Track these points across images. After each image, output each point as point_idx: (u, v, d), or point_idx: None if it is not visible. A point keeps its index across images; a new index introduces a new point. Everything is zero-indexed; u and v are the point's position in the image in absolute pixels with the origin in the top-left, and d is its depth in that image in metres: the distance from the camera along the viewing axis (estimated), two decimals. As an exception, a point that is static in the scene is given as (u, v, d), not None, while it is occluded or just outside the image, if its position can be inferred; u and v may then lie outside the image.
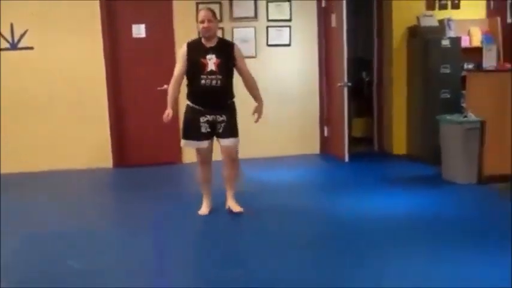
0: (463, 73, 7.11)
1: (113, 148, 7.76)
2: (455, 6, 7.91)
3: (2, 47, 7.36)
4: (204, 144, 5.17)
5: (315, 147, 8.22)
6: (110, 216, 5.76)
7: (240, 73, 5.24)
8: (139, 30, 7.72)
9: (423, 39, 7.44)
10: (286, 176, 6.94)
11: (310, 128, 8.19)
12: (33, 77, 7.50)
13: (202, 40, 5.12)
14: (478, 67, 6.48)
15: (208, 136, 5.16)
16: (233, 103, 5.25)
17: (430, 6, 7.84)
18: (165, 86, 7.60)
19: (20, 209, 5.79)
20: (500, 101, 6.06)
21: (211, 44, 5.08)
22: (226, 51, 5.13)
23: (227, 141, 5.19)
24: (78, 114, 7.61)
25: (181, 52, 5.19)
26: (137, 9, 7.68)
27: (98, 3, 7.50)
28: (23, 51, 7.40)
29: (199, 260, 4.36)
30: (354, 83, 8.36)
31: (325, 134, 8.18)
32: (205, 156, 5.26)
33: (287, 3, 7.87)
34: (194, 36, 7.29)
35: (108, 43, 7.61)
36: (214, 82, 5.01)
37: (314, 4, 7.98)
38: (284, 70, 8.00)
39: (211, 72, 4.99)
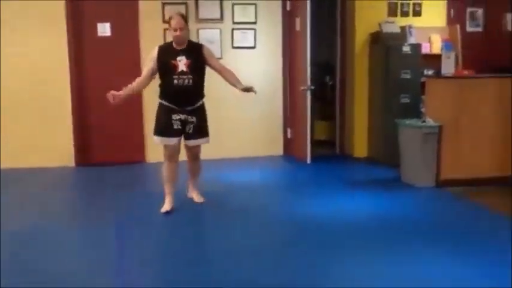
0: (423, 79, 7.29)
1: (75, 147, 7.72)
2: (417, 13, 8.11)
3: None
4: (175, 141, 5.36)
5: (278, 149, 8.33)
6: (70, 214, 5.73)
7: (215, 69, 5.47)
8: (104, 29, 7.70)
9: (384, 45, 7.61)
10: (249, 177, 7.02)
11: (274, 130, 8.29)
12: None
13: (173, 44, 5.31)
14: (438, 73, 6.66)
15: (178, 133, 5.35)
16: (203, 104, 5.46)
17: (392, 13, 8.02)
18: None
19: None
20: (457, 107, 6.25)
21: (182, 47, 5.29)
22: (195, 52, 5.34)
23: (194, 142, 5.45)
24: (41, 112, 7.57)
25: (151, 55, 5.37)
26: (103, 8, 7.65)
27: (63, 1, 7.46)
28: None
29: (162, 259, 4.38)
30: (317, 86, 8.51)
31: (289, 135, 8.29)
32: (173, 153, 5.41)
33: (252, 6, 7.96)
34: (159, 35, 7.41)
35: (73, 41, 7.58)
36: (186, 81, 5.22)
37: (279, 7, 8.08)
38: (249, 72, 7.98)
39: (183, 73, 5.21)
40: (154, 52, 5.33)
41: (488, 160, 6.38)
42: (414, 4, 8.09)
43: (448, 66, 6.32)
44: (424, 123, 6.34)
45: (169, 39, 5.57)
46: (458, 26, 7.98)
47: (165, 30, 7.50)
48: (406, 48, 7.49)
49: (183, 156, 5.60)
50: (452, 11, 8.15)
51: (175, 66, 5.21)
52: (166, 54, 5.27)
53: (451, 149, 6.27)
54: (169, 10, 7.51)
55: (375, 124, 7.90)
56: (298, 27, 7.78)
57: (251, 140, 8.16)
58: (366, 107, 8.10)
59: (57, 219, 5.38)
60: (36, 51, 7.49)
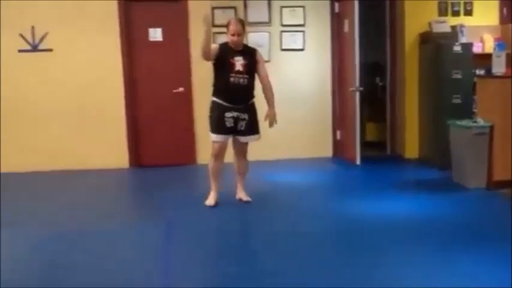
0: (475, 79, 7.17)
1: (129, 149, 7.94)
2: (468, 12, 7.98)
3: (24, 48, 7.60)
4: (225, 138, 5.59)
5: (327, 151, 8.33)
6: (123, 213, 5.88)
7: (260, 76, 5.66)
8: (155, 34, 7.89)
9: (435, 45, 7.52)
10: (297, 178, 7.06)
11: (323, 132, 8.30)
12: (51, 77, 7.73)
13: (230, 45, 5.52)
14: (488, 73, 6.54)
15: (230, 131, 5.56)
16: (254, 102, 5.66)
17: (443, 12, 7.92)
18: (181, 89, 7.87)
19: (35, 208, 5.98)
20: (509, 106, 6.11)
21: (238, 48, 5.53)
22: (250, 55, 5.58)
23: (246, 139, 5.67)
24: (96, 115, 7.82)
25: (213, 46, 5.54)
26: (154, 14, 7.86)
27: (116, 7, 7.69)
28: (43, 53, 7.63)
29: (210, 257, 4.45)
30: (367, 87, 8.47)
31: (338, 137, 8.29)
32: (221, 150, 5.63)
33: (301, 9, 8.00)
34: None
35: (126, 47, 7.80)
36: (241, 81, 5.47)
37: (327, 9, 8.10)
38: (297, 74, 8.13)
39: (239, 72, 5.46)
40: (216, 46, 5.55)
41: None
42: (465, 3, 7.97)
43: (498, 66, 6.20)
44: (474, 124, 6.24)
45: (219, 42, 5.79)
46: (511, 25, 7.80)
47: (214, 34, 7.64)
48: (457, 48, 7.36)
49: (230, 158, 5.74)
50: (505, 10, 7.98)
51: (233, 65, 5.45)
52: (226, 52, 5.48)
53: (503, 149, 6.14)
54: (219, 15, 7.67)
55: (426, 125, 7.80)
56: (346, 29, 7.79)
57: (300, 142, 8.20)
58: (417, 107, 8.02)
59: (112, 218, 5.56)
60: (91, 57, 7.75)
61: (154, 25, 7.86)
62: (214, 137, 5.59)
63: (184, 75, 7.85)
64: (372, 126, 9.33)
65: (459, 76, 7.34)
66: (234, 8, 7.85)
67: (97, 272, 4.06)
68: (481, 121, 6.24)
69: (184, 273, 4.06)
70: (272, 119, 5.66)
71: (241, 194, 5.83)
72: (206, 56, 5.43)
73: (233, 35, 5.46)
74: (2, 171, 7.47)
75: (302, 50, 8.10)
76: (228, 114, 5.49)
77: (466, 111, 7.13)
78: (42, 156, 7.72)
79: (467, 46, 7.43)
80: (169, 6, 7.86)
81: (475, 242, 4.49)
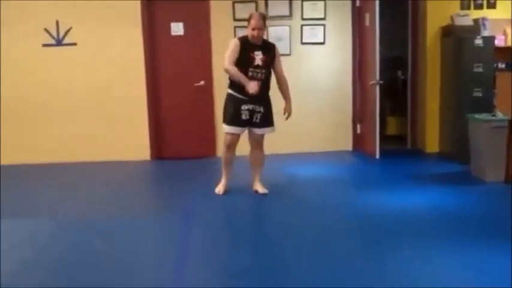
0: (496, 72, 7.12)
1: (150, 141, 8.07)
2: (491, 5, 7.91)
3: (48, 43, 7.78)
4: (240, 130, 5.71)
5: (347, 144, 8.34)
6: (143, 204, 6.00)
7: (276, 71, 5.75)
8: (178, 28, 7.99)
9: (457, 38, 7.47)
10: (316, 171, 7.09)
11: (344, 125, 8.32)
12: (75, 71, 7.89)
13: (250, 39, 5.59)
14: (510, 66, 6.49)
15: (245, 124, 5.67)
16: (269, 96, 5.75)
17: (465, 5, 7.86)
18: (202, 82, 7.96)
19: (60, 197, 6.17)
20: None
21: (258, 43, 5.61)
22: (269, 50, 5.67)
23: (261, 131, 5.77)
24: (119, 108, 7.96)
25: (234, 42, 5.64)
26: (176, 8, 7.95)
27: (139, 2, 7.81)
28: (67, 47, 7.79)
29: (225, 247, 4.50)
30: (389, 81, 8.45)
31: (358, 131, 8.29)
32: (234, 142, 5.76)
33: (322, 2, 8.01)
34: (230, 33, 7.61)
35: (148, 41, 7.91)
36: (259, 75, 5.57)
37: (348, 3, 8.10)
38: (318, 68, 8.15)
39: (258, 66, 5.56)
40: (237, 42, 5.61)
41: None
42: (489, -4, 7.91)
43: (519, 59, 6.15)
44: (493, 117, 6.20)
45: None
46: (535, 17, 7.72)
47: (235, 28, 7.72)
48: (478, 41, 7.30)
49: (245, 151, 5.84)
50: (529, 2, 7.88)
51: (253, 59, 5.54)
52: (246, 46, 5.57)
53: (522, 143, 6.11)
54: (240, 8, 7.74)
55: (447, 118, 7.76)
56: (367, 23, 7.78)
57: (320, 135, 8.23)
58: (438, 101, 7.98)
59: (132, 208, 5.69)
60: (114, 51, 7.89)
61: (176, 19, 7.96)
62: (227, 128, 5.70)
63: (205, 69, 7.93)
64: (393, 120, 9.31)
65: (480, 70, 7.29)
66: (255, 1, 7.89)
67: (115, 259, 4.18)
68: (500, 115, 6.20)
69: (199, 262, 4.15)
70: (290, 113, 5.78)
71: (258, 186, 5.90)
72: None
73: (254, 29, 5.53)
74: (31, 162, 7.70)
75: (323, 43, 8.11)
76: (244, 107, 5.59)
77: (486, 105, 7.08)
78: (66, 148, 7.91)
79: (489, 39, 7.36)
80: (191, 1, 7.94)
81: (492, 235, 4.47)
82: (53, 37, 7.75)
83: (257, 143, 5.83)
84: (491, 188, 6.00)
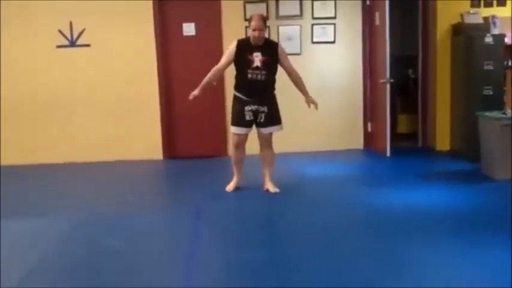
0: (506, 70, 7.13)
1: (163, 140, 8.17)
2: (501, 3, 7.91)
3: (62, 44, 7.90)
4: (245, 131, 5.80)
5: (359, 143, 8.39)
6: (154, 201, 6.09)
7: (286, 69, 5.80)
8: (189, 29, 8.08)
9: (467, 36, 7.48)
10: (327, 169, 7.14)
11: (354, 124, 8.37)
12: (88, 71, 8.01)
13: (251, 40, 5.66)
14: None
15: (250, 124, 5.78)
16: (274, 95, 5.82)
17: (475, 3, 7.87)
18: (213, 82, 8.01)
19: (75, 194, 6.30)
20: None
21: (259, 43, 5.66)
22: (271, 50, 5.70)
23: (267, 130, 5.83)
24: (132, 107, 8.07)
25: (230, 48, 5.76)
26: (188, 9, 8.04)
27: (151, 3, 7.91)
28: (81, 48, 7.92)
29: (236, 244, 4.57)
30: (400, 80, 8.48)
31: (369, 129, 8.34)
32: (241, 142, 5.87)
33: (332, 1, 8.06)
34: (241, 33, 7.67)
35: (160, 41, 8.00)
36: (259, 77, 5.62)
37: (359, 2, 8.15)
38: (329, 67, 8.20)
39: (257, 68, 5.61)
40: (234, 46, 5.71)
41: None
42: (499, -6, 7.91)
43: (528, 57, 6.17)
44: (503, 115, 6.23)
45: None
46: (545, 16, 7.71)
47: (246, 28, 7.77)
48: (488, 39, 7.32)
49: (255, 150, 5.93)
50: (540, -1, 7.88)
51: (251, 61, 5.60)
52: (244, 48, 5.64)
53: (531, 141, 6.13)
54: (251, 9, 7.80)
55: (457, 116, 7.79)
56: (377, 22, 7.82)
57: (331, 134, 8.28)
58: (448, 99, 8.01)
59: (144, 205, 5.79)
60: (127, 51, 7.99)
61: (188, 20, 8.05)
62: (234, 129, 5.84)
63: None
64: (404, 118, 9.35)
65: (491, 67, 7.30)
66: (266, 2, 7.96)
67: (127, 257, 4.25)
68: (510, 112, 6.23)
69: (210, 258, 4.22)
70: (314, 103, 5.84)
71: (269, 185, 5.94)
72: (220, 75, 5.89)
73: (254, 30, 5.59)
74: (44, 162, 7.84)
75: (333, 42, 8.17)
76: (248, 108, 5.71)
77: (497, 102, 7.11)
78: (80, 148, 8.04)
79: (499, 37, 7.38)
80: (202, 1, 8.02)
81: (502, 233, 4.48)
82: (66, 38, 7.87)
83: (266, 142, 5.90)
84: (500, 186, 6.00)
